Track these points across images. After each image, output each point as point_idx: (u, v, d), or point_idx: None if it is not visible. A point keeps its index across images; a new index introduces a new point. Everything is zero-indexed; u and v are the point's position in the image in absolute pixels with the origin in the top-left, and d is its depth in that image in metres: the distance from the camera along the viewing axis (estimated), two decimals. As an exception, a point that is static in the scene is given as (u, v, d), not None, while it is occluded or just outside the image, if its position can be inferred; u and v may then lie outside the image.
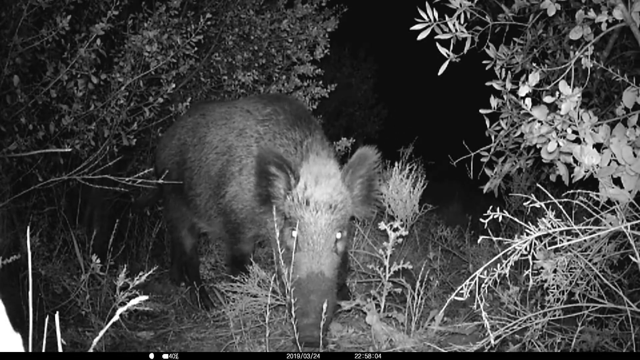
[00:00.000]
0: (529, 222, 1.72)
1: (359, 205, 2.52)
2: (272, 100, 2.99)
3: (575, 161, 1.97)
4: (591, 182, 1.96)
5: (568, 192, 1.82)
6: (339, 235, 2.36)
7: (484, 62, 2.69)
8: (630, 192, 1.85)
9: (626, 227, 1.61)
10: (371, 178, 2.51)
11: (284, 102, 2.97)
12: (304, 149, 2.60)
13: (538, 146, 2.16)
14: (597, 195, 1.86)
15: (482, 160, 2.83)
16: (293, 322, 2.16)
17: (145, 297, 1.08)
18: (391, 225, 2.28)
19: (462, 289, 1.71)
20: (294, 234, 2.31)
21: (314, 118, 3.01)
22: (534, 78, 2.09)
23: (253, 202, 2.65)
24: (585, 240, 1.85)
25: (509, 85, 2.44)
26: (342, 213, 2.36)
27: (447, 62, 2.34)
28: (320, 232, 2.29)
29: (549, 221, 1.70)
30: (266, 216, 2.56)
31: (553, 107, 2.07)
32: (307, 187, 2.34)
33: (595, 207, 1.84)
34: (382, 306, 2.39)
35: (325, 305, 2.06)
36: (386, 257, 2.28)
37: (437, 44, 2.31)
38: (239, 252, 2.84)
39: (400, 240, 2.34)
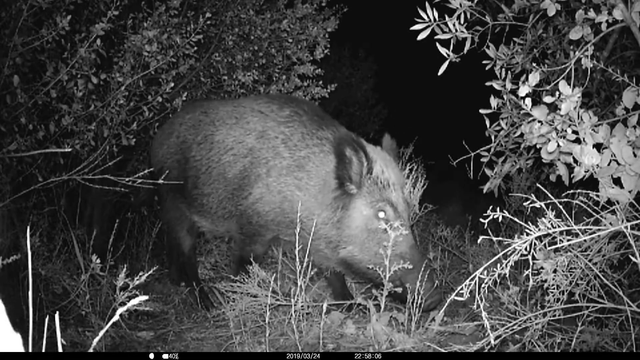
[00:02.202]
0: (529, 222, 1.72)
1: None
2: (286, 101, 3.02)
3: (575, 161, 1.97)
4: (591, 182, 1.96)
5: (568, 192, 1.82)
6: None
7: (484, 62, 2.69)
8: (630, 192, 1.85)
9: (626, 227, 1.61)
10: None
11: (300, 103, 3.06)
12: None
13: (538, 146, 2.15)
14: (597, 195, 1.86)
15: (482, 160, 2.83)
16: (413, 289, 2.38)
17: (145, 297, 1.08)
18: (391, 225, 2.30)
19: (462, 289, 1.71)
20: (382, 214, 2.50)
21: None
22: (534, 78, 2.09)
23: (283, 204, 2.71)
24: (585, 240, 1.85)
25: (509, 85, 2.44)
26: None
27: (447, 62, 2.34)
28: (405, 210, 2.57)
29: (549, 221, 1.70)
30: (337, 202, 2.61)
31: (553, 107, 2.07)
32: (384, 170, 2.56)
33: (595, 207, 1.84)
34: (382, 306, 2.39)
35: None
36: (386, 256, 2.29)
37: (437, 44, 2.31)
38: (253, 254, 2.81)
39: (400, 239, 2.38)
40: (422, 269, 2.37)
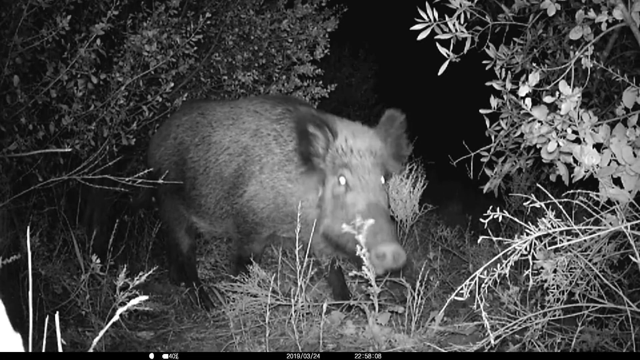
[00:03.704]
0: (529, 222, 1.73)
1: (391, 160, 2.72)
2: (280, 100, 3.06)
3: (575, 161, 1.97)
4: (591, 182, 1.96)
5: (568, 192, 1.82)
6: (382, 180, 2.55)
7: (484, 62, 2.69)
8: (630, 192, 1.85)
9: (626, 227, 1.61)
10: (399, 136, 2.75)
11: (292, 101, 3.10)
12: None
13: (538, 146, 2.16)
14: (597, 195, 1.86)
15: (482, 160, 2.83)
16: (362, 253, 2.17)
17: (145, 297, 1.08)
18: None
19: (462, 289, 1.71)
20: (342, 180, 2.48)
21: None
22: (534, 78, 2.09)
23: (277, 199, 2.73)
24: (585, 240, 1.85)
25: (509, 85, 2.44)
26: (382, 160, 2.58)
27: (447, 62, 2.35)
28: (369, 171, 2.48)
29: (549, 221, 1.70)
30: (312, 180, 2.63)
31: (553, 107, 2.07)
32: (348, 139, 2.54)
33: (595, 207, 1.84)
34: (376, 307, 2.38)
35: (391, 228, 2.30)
36: (365, 256, 2.27)
37: (437, 44, 2.31)
38: (250, 252, 2.84)
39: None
40: (383, 224, 2.26)
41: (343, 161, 2.50)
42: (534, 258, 1.78)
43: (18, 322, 0.85)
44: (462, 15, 2.31)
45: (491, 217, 1.76)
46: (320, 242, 2.66)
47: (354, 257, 2.29)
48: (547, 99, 2.02)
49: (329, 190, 2.55)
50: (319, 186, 2.61)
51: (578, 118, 1.92)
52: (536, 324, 1.85)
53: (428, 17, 2.22)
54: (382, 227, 2.27)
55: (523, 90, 2.08)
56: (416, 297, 2.37)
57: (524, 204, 1.83)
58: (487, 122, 2.70)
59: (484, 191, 2.91)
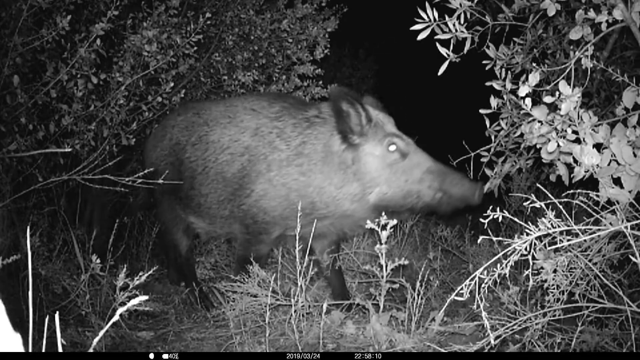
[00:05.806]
0: (529, 222, 1.73)
1: None
2: (275, 98, 3.10)
3: (575, 161, 1.97)
4: (591, 182, 1.96)
5: (568, 192, 1.82)
6: None
7: (484, 62, 2.69)
8: (630, 192, 1.85)
9: (626, 227, 1.61)
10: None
11: (286, 98, 3.19)
12: None
13: (538, 146, 2.16)
14: (597, 195, 1.86)
15: (482, 160, 2.83)
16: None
17: (145, 297, 1.08)
18: (378, 223, 2.27)
19: (462, 289, 1.71)
20: (392, 147, 2.67)
21: None
22: (534, 78, 2.09)
23: (289, 195, 2.76)
24: (585, 240, 1.85)
25: (509, 85, 2.44)
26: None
27: (447, 62, 2.35)
28: (404, 138, 2.74)
29: (549, 221, 1.70)
30: (344, 160, 2.75)
31: (553, 107, 2.07)
32: (378, 112, 2.79)
33: (595, 207, 1.85)
34: (381, 306, 2.38)
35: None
36: (381, 254, 2.28)
37: (437, 44, 2.31)
38: (257, 254, 2.82)
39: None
40: (451, 171, 2.63)
41: (386, 131, 2.70)
42: (534, 258, 1.78)
43: (18, 322, 0.85)
44: (462, 15, 2.31)
45: (491, 217, 1.77)
46: (366, 212, 2.74)
47: (427, 206, 2.73)
48: (547, 99, 2.02)
49: (378, 162, 2.67)
50: (348, 164, 2.70)
51: (578, 118, 1.92)
52: (536, 324, 1.86)
53: (428, 17, 2.22)
54: (456, 175, 2.62)
55: (523, 90, 2.08)
56: (416, 297, 2.37)
57: (524, 204, 1.84)
58: (487, 122, 2.70)
59: (484, 191, 2.91)
